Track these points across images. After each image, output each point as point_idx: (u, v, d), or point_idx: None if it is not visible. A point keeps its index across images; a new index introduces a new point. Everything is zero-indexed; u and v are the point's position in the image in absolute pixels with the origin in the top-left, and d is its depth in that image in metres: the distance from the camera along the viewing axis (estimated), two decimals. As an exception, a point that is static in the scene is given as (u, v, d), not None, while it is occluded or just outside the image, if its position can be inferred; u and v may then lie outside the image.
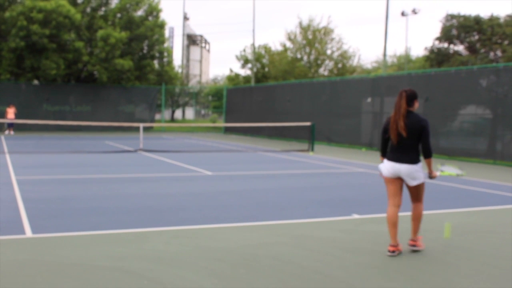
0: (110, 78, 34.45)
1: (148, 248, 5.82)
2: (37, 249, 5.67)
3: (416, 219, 5.92)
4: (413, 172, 5.68)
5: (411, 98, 5.70)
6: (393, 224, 5.77)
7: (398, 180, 5.81)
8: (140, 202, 8.57)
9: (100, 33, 33.36)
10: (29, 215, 7.32)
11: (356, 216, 7.85)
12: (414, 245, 5.90)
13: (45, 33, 31.20)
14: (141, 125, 20.51)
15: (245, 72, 49.40)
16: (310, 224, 7.30)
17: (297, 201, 9.05)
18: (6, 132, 28.43)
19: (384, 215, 7.09)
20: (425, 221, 7.20)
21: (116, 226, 6.83)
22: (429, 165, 5.87)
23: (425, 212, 7.35)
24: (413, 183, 5.74)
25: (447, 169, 6.40)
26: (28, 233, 6.36)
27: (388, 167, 5.80)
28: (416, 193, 5.86)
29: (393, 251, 5.71)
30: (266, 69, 47.02)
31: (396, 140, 5.72)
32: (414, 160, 5.68)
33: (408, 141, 5.68)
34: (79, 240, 6.11)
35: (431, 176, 5.95)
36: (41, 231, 6.45)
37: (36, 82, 34.75)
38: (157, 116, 41.27)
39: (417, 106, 5.79)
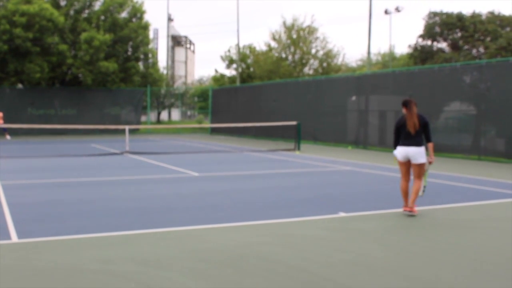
0: (95, 80, 34.22)
1: (135, 250, 5.82)
2: (23, 254, 5.64)
3: (415, 192, 7.68)
4: (418, 153, 7.68)
5: (416, 104, 7.87)
6: (405, 193, 7.83)
7: (408, 163, 7.82)
8: (126, 205, 8.55)
9: (84, 35, 33.16)
10: (15, 220, 7.28)
11: (342, 214, 7.90)
12: (410, 211, 7.63)
13: (28, 36, 30.96)
14: (127, 127, 20.42)
15: (230, 72, 49.42)
16: (297, 223, 7.34)
17: (284, 200, 9.08)
18: (8, 137, 28.14)
19: (370, 212, 8.11)
20: (409, 217, 7.47)
21: (103, 229, 6.81)
22: (431, 148, 7.89)
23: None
24: (417, 161, 7.69)
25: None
26: (14, 238, 6.32)
27: (401, 151, 7.80)
28: (418, 170, 7.74)
29: (406, 211, 7.67)
30: (251, 69, 47.03)
31: (413, 132, 7.69)
32: (419, 143, 7.70)
33: (417, 132, 7.72)
34: (66, 244, 6.09)
35: (430, 160, 7.77)
36: (27, 235, 6.41)
37: (20, 86, 34.45)
38: (143, 118, 41.09)
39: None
